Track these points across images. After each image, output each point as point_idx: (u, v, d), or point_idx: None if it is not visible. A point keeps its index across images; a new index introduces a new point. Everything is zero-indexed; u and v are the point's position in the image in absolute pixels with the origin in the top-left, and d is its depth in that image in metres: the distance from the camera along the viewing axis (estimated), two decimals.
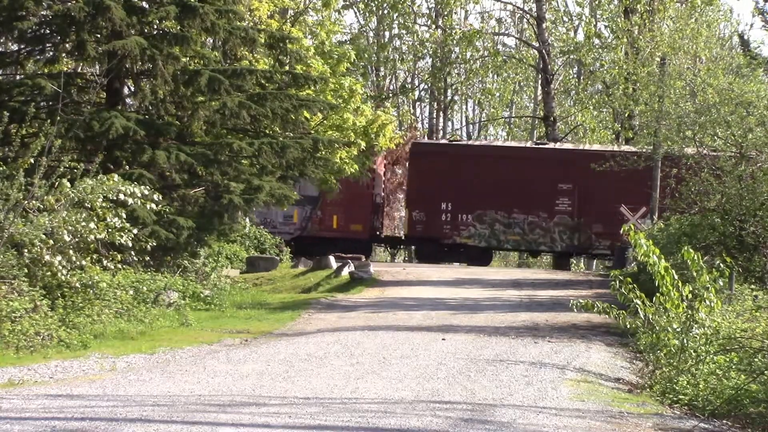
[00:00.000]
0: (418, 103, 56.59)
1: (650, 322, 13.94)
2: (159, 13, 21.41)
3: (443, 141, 40.61)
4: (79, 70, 23.82)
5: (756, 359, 12.10)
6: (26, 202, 16.20)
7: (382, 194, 38.43)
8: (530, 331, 17.48)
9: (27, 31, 21.18)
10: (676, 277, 13.71)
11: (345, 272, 26.35)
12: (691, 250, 13.81)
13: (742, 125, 22.47)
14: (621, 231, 14.38)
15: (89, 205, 16.89)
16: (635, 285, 14.27)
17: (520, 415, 9.82)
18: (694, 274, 13.64)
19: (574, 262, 42.26)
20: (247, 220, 29.34)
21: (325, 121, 28.21)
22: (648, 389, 12.34)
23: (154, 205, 18.40)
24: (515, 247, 35.92)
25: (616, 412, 10.43)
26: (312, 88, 25.33)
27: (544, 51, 41.87)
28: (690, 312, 13.47)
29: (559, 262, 36.52)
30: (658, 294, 13.75)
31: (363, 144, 28.86)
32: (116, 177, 17.86)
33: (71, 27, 21.16)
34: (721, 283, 14.30)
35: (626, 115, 38.93)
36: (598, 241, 34.01)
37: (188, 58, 22.83)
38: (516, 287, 25.45)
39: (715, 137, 23.63)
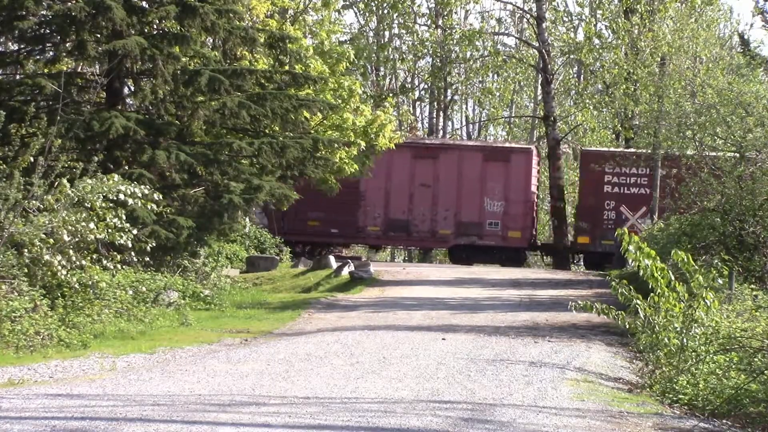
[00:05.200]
0: (418, 103, 56.58)
1: (650, 322, 13.95)
2: (159, 13, 21.40)
3: None
4: (79, 69, 23.81)
5: (756, 359, 12.11)
6: (26, 201, 16.20)
7: None
8: (530, 331, 17.48)
9: (27, 31, 21.16)
10: (672, 277, 13.74)
11: (345, 272, 26.33)
12: (680, 252, 13.85)
13: (741, 125, 22.48)
14: (615, 234, 14.46)
15: (89, 205, 16.88)
16: (634, 285, 14.29)
17: (520, 414, 9.82)
18: (688, 275, 13.67)
19: (575, 261, 42.18)
20: (247, 219, 29.33)
21: (324, 121, 28.19)
22: (648, 389, 12.35)
23: (154, 205, 18.39)
24: None
25: (616, 411, 10.44)
26: (312, 87, 25.33)
27: (544, 51, 41.86)
28: (689, 311, 13.48)
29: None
30: (652, 295, 13.77)
31: (363, 144, 28.84)
32: (116, 177, 17.86)
33: (71, 27, 21.15)
34: (721, 282, 14.33)
35: (627, 116, 38.93)
36: None
37: (188, 58, 22.80)
38: (516, 287, 25.44)
39: (716, 137, 23.65)
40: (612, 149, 36.95)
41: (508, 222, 34.19)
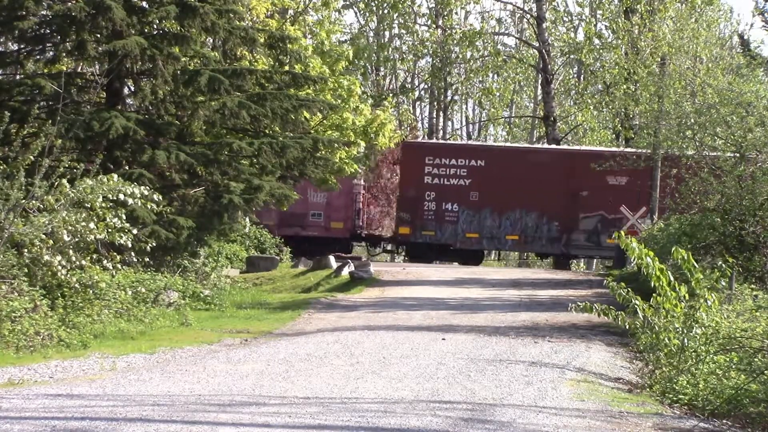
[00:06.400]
0: (418, 103, 56.62)
1: (649, 323, 13.95)
2: (159, 13, 21.40)
3: None
4: (79, 70, 23.82)
5: (756, 359, 12.11)
6: (26, 202, 16.20)
7: None
8: (530, 331, 17.47)
9: (27, 31, 21.17)
10: (672, 277, 13.74)
11: (345, 272, 26.34)
12: (681, 250, 13.83)
13: (741, 125, 22.48)
14: (613, 235, 14.47)
15: (89, 205, 16.88)
16: (633, 286, 14.28)
17: (520, 414, 9.82)
18: (688, 274, 13.67)
19: (574, 261, 42.26)
20: (247, 219, 29.35)
21: (324, 121, 28.21)
22: (648, 389, 12.35)
23: (154, 205, 18.40)
24: None
25: (616, 411, 10.44)
26: (311, 88, 25.34)
27: (544, 51, 41.90)
28: (690, 311, 13.48)
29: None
30: (655, 295, 13.77)
31: (363, 144, 28.87)
32: (116, 177, 17.86)
33: (71, 27, 21.16)
34: (724, 283, 14.32)
35: (627, 116, 38.94)
36: None
37: (188, 58, 22.82)
38: (516, 287, 25.44)
39: (716, 137, 23.64)
40: (432, 141, 37.41)
41: (331, 213, 34.92)
